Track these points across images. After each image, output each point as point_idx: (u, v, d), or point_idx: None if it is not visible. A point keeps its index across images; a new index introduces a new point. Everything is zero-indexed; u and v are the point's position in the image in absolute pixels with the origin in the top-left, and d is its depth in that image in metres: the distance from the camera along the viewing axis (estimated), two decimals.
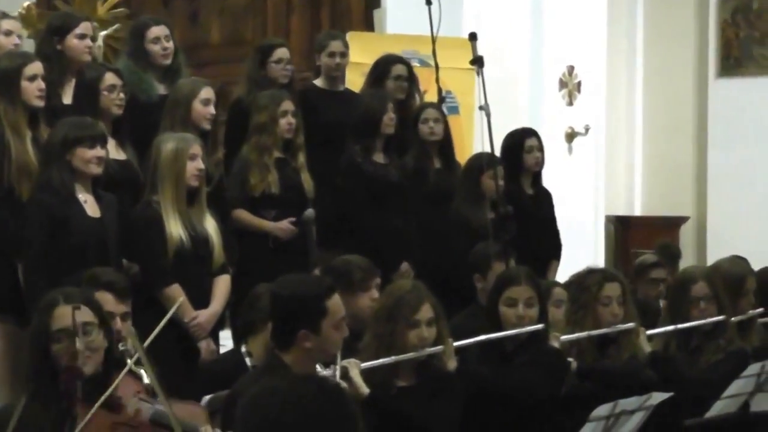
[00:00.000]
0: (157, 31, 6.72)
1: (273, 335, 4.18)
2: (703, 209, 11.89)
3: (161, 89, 6.64)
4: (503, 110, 8.48)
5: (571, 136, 10.37)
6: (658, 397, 4.56)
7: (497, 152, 7.08)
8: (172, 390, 4.32)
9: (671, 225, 11.86)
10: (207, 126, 6.22)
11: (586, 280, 5.45)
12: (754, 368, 5.12)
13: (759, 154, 11.36)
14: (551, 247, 7.45)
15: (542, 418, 4.95)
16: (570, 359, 5.15)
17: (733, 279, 6.01)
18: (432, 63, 7.89)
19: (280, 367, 4.00)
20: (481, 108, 6.40)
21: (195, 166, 5.67)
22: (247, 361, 5.03)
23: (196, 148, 5.73)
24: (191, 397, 4.62)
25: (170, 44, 6.72)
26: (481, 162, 6.95)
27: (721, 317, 5.56)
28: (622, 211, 12.09)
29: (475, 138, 8.60)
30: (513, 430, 4.97)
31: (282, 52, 7.21)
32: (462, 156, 7.76)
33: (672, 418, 4.93)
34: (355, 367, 4.46)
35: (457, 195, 7.03)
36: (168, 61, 6.70)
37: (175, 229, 5.60)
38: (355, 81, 7.82)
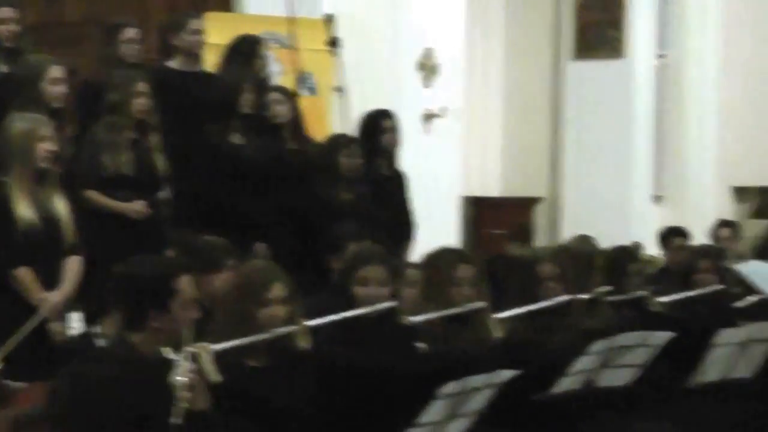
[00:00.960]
0: (6, 12, 6.62)
1: (122, 316, 4.16)
2: (558, 190, 12.12)
3: (4, 69, 6.53)
4: (362, 91, 8.55)
5: (428, 118, 10.48)
6: (505, 375, 4.62)
7: (355, 133, 7.13)
8: (23, 373, 4.28)
9: (526, 205, 12.08)
10: (57, 105, 6.14)
11: (439, 259, 5.50)
12: (599, 345, 5.21)
13: (612, 136, 11.63)
14: (405, 228, 7.54)
15: (394, 395, 5.00)
16: (420, 343, 5.20)
17: (580, 258, 6.16)
18: (291, 44, 7.90)
19: (124, 348, 3.98)
20: (337, 89, 6.43)
21: (45, 147, 5.59)
22: (98, 342, 4.98)
23: (47, 129, 5.64)
24: (42, 379, 4.58)
25: (16, 27, 6.63)
26: (338, 142, 7.00)
27: (568, 296, 5.66)
28: (478, 192, 12.26)
29: (334, 118, 8.65)
30: (366, 409, 5.00)
31: (132, 32, 7.16)
32: (321, 137, 7.79)
33: (519, 394, 5.01)
34: (206, 353, 4.43)
35: (314, 175, 7.05)
36: (11, 44, 6.61)
37: (25, 210, 5.51)
38: (212, 62, 7.78)
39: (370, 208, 6.91)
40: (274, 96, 7.30)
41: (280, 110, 7.24)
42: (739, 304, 6.51)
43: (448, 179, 10.68)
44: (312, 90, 9.10)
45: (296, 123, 7.35)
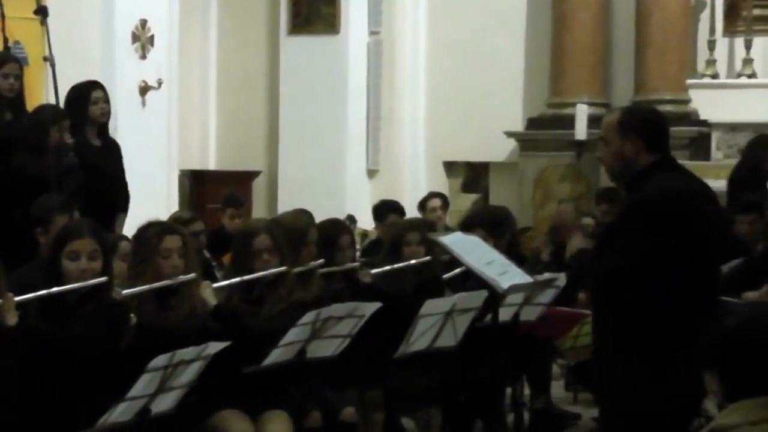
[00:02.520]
0: None
1: None
2: (275, 163, 12.21)
3: None
4: (75, 62, 8.38)
5: (144, 90, 10.36)
6: (215, 347, 4.66)
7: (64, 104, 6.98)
8: None
9: (244, 179, 12.12)
10: None
11: (145, 233, 5.48)
12: (309, 316, 5.28)
13: (326, 111, 11.79)
14: (119, 200, 7.45)
15: (103, 370, 4.95)
16: (131, 315, 5.17)
17: (294, 231, 6.20)
18: None
19: None
20: (45, 59, 6.31)
21: None
22: None
23: None
24: None
25: None
26: (46, 114, 6.85)
27: (282, 268, 5.72)
28: (196, 165, 12.23)
29: (48, 89, 8.44)
30: (74, 385, 4.93)
31: None
32: (31, 107, 7.61)
33: (231, 366, 5.06)
34: None
35: (20, 146, 6.88)
36: None
37: None
38: None
39: (79, 180, 6.79)
40: (12, 68, 7.08)
41: (16, 85, 7.04)
42: (446, 275, 6.71)
43: (165, 152, 10.60)
44: (22, 60, 8.84)
45: (20, 96, 7.18)
